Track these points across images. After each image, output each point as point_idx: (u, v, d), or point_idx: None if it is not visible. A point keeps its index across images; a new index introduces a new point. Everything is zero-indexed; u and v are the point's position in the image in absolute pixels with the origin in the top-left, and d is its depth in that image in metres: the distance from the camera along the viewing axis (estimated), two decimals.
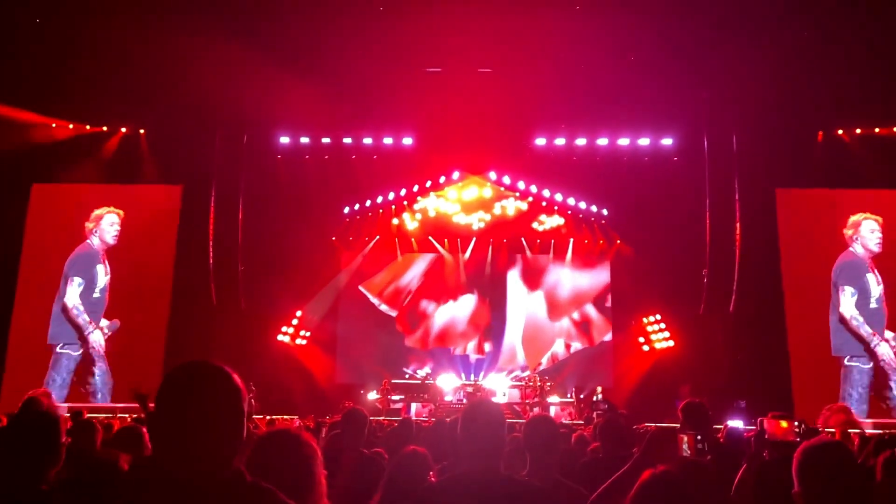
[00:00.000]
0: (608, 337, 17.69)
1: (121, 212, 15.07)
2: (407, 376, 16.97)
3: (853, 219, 14.49)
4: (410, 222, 17.90)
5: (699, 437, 2.64)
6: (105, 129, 15.88)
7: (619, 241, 17.67)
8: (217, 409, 1.82)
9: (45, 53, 12.98)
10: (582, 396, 15.42)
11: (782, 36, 12.43)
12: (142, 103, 14.90)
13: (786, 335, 15.02)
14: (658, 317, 16.94)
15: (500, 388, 16.42)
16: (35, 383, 14.45)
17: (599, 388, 15.59)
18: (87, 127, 15.72)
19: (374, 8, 12.45)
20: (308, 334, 17.38)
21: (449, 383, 16.53)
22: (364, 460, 4.13)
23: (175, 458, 1.75)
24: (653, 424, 9.34)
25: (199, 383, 1.85)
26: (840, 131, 15.50)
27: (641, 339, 17.14)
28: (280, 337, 16.99)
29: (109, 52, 13.04)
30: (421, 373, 16.98)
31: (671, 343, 16.64)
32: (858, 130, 15.48)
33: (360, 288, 18.07)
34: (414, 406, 15.51)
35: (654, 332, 16.99)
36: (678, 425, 4.00)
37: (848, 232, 14.49)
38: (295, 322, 17.26)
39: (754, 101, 14.16)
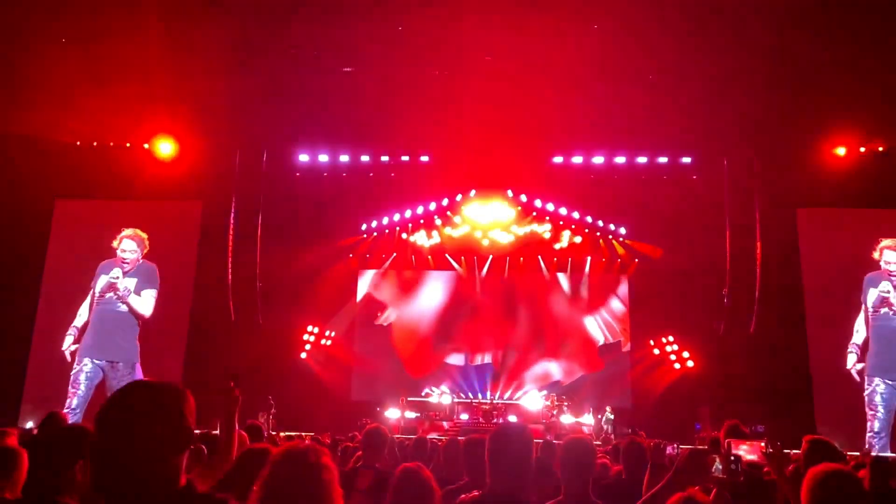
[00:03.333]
0: (626, 357, 17.51)
1: (131, 231, 14.84)
2: (424, 394, 16.91)
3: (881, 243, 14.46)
4: (427, 240, 17.91)
5: (732, 458, 2.61)
6: (128, 144, 16.09)
7: (637, 260, 17.56)
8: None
9: (70, 71, 13.20)
10: (600, 417, 15.27)
11: (802, 54, 12.36)
12: (164, 119, 15.10)
13: (808, 357, 14.79)
14: (677, 336, 16.76)
15: (531, 404, 16.35)
16: (56, 397, 14.62)
17: (608, 408, 15.46)
18: (111, 143, 15.94)
19: (391, 27, 12.56)
20: (327, 343, 17.45)
21: (465, 402, 16.45)
22: (380, 478, 4.12)
23: None
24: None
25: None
26: (862, 149, 15.31)
27: (660, 360, 16.95)
28: (302, 355, 17.08)
29: (132, 68, 13.23)
30: (437, 391, 16.91)
31: (690, 364, 16.44)
32: (881, 148, 15.29)
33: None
34: (446, 423, 15.48)
35: (673, 352, 16.81)
36: (705, 447, 3.93)
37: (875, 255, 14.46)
38: (311, 339, 17.32)
39: (775, 119, 14.07)
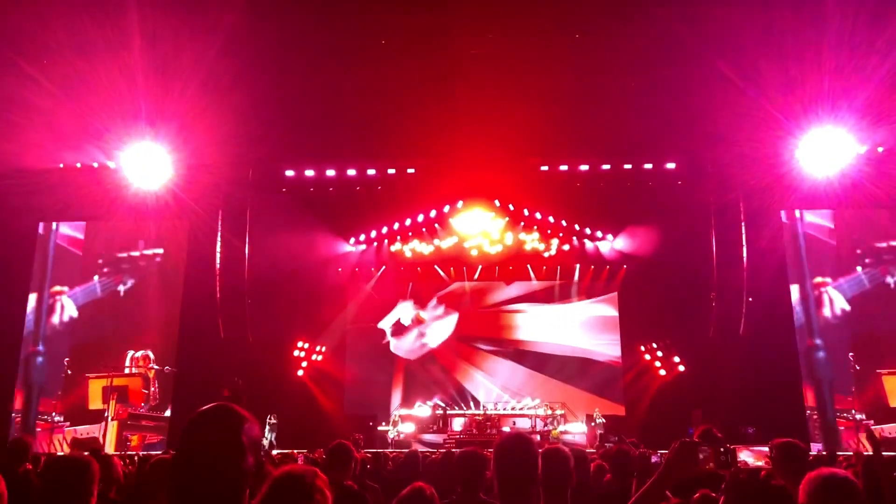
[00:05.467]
0: (618, 363, 17.52)
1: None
2: (417, 406, 16.87)
3: None
4: (416, 252, 17.90)
5: (722, 450, 2.63)
6: (112, 165, 15.96)
7: (625, 267, 17.60)
8: None
9: (51, 92, 13.14)
10: (593, 425, 15.28)
11: (782, 56, 12.49)
12: (149, 138, 15.04)
13: (797, 356, 14.89)
14: (667, 341, 16.80)
15: (524, 413, 16.37)
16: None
17: (597, 409, 15.49)
18: (95, 164, 15.83)
19: (375, 41, 12.62)
20: (319, 358, 17.38)
21: (458, 414, 16.43)
22: (347, 494, 4.07)
23: None
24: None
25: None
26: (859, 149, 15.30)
27: (651, 365, 16.98)
28: (299, 372, 17.02)
29: (118, 89, 13.19)
30: (429, 403, 16.87)
31: (681, 368, 16.48)
32: (864, 149, 15.39)
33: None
34: (441, 436, 15.43)
35: (664, 356, 16.85)
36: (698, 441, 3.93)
37: None
38: (302, 354, 17.25)
39: (755, 122, 14.18)
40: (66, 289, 12.69)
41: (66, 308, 13.54)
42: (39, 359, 9.17)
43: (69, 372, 10.71)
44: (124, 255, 13.80)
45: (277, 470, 2.28)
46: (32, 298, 13.75)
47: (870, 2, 11.19)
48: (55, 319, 12.90)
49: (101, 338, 14.47)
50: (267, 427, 14.96)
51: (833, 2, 11.04)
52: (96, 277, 13.41)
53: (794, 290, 15.62)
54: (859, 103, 13.08)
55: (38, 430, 11.55)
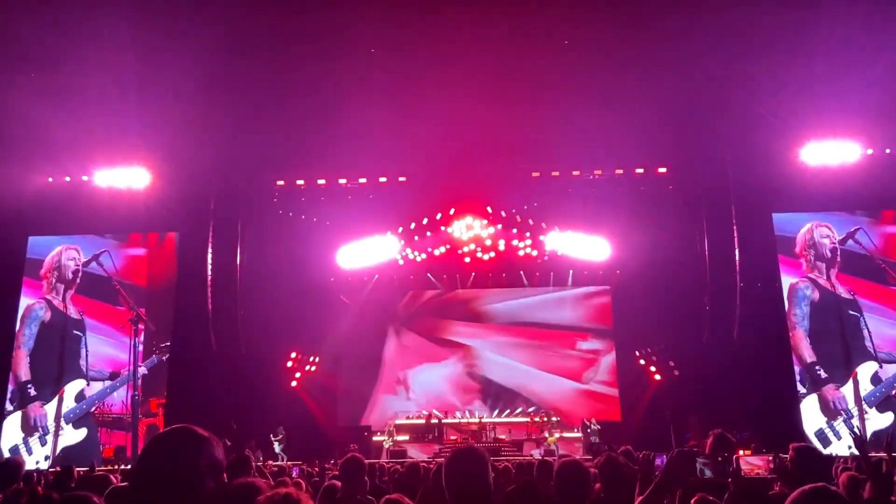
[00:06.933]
0: (612, 370, 17.48)
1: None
2: (412, 416, 16.78)
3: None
4: (409, 260, 17.82)
5: (720, 459, 2.60)
6: (100, 178, 15.83)
7: (618, 272, 17.54)
8: None
9: (40, 106, 13.06)
10: (588, 431, 15.24)
11: (764, 65, 12.54)
12: (138, 151, 14.95)
13: (791, 359, 14.90)
14: (661, 346, 16.78)
15: (518, 421, 16.31)
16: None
17: (594, 420, 15.43)
18: (84, 178, 15.69)
19: (365, 50, 12.59)
20: (312, 369, 17.28)
21: (453, 423, 16.35)
22: None
23: None
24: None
25: None
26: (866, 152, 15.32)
27: (646, 370, 16.95)
28: (293, 384, 16.92)
29: (104, 100, 13.11)
30: (424, 413, 16.78)
31: (676, 372, 16.45)
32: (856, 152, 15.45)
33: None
34: (437, 446, 15.35)
35: (659, 361, 16.81)
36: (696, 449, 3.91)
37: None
38: (295, 365, 17.14)
39: (746, 125, 14.24)
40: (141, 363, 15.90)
41: (143, 371, 15.62)
42: (138, 396, 13.34)
43: (143, 396, 15.12)
44: (166, 344, 15.76)
45: (264, 495, 2.24)
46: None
47: (864, 6, 11.26)
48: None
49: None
50: (276, 441, 14.92)
51: (828, 6, 11.09)
52: (154, 356, 15.69)
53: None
54: (851, 107, 13.13)
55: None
